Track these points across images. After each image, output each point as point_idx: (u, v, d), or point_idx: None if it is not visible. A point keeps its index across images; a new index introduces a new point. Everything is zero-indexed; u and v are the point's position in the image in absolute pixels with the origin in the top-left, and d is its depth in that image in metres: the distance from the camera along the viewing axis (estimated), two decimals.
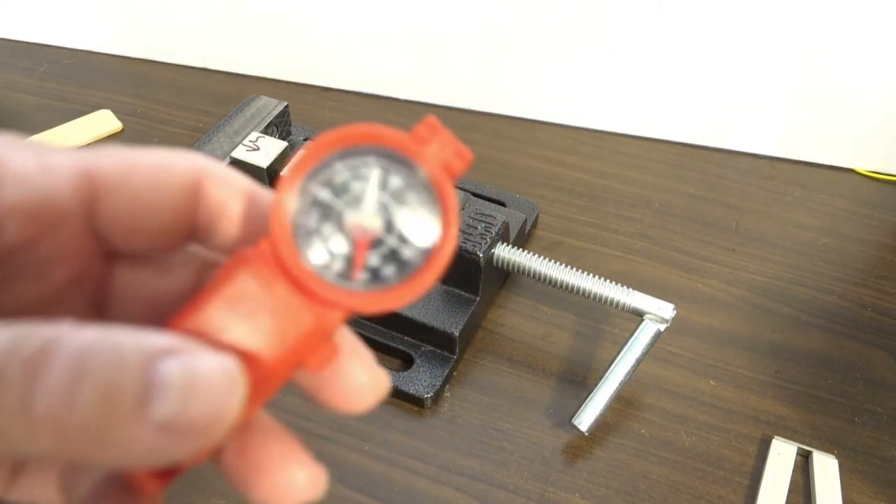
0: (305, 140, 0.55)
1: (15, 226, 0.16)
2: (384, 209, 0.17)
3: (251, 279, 0.16)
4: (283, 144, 0.51)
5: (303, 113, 0.60)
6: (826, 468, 0.41)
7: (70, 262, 0.18)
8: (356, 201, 0.17)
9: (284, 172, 0.17)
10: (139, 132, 0.61)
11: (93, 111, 0.62)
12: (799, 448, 0.42)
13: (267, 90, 0.60)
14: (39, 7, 0.68)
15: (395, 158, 0.17)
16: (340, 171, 0.17)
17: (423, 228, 0.17)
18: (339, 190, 0.17)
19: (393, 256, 0.17)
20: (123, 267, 0.19)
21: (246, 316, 0.16)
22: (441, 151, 0.17)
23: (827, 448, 0.42)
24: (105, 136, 0.60)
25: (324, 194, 0.17)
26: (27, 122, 0.61)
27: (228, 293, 0.16)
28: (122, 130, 0.61)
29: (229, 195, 0.18)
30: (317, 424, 0.43)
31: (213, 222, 0.18)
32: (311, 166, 0.17)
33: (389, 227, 0.17)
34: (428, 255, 0.17)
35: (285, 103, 0.55)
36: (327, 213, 0.17)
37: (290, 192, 0.17)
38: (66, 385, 0.13)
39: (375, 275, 0.17)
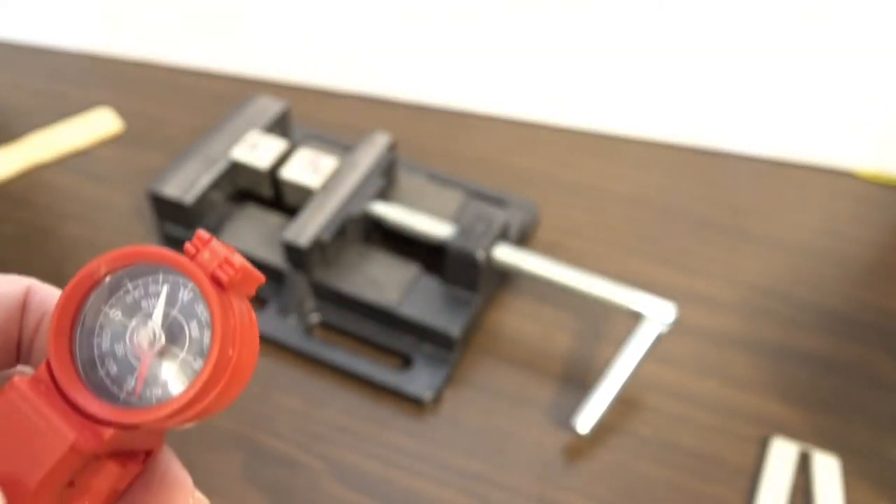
0: (306, 137, 0.55)
1: None
2: (175, 323, 0.17)
3: (16, 402, 0.16)
4: (283, 144, 0.51)
5: (303, 113, 0.60)
6: (827, 468, 0.41)
7: None
8: (145, 318, 0.17)
9: (66, 289, 0.17)
10: (139, 132, 0.61)
11: (93, 111, 0.62)
12: (799, 448, 0.42)
13: (267, 91, 0.60)
14: (39, 7, 0.68)
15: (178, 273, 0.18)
16: (130, 290, 0.18)
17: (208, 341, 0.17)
18: (129, 308, 0.17)
19: (188, 370, 0.17)
20: None
21: (2, 441, 0.16)
22: (209, 262, 0.17)
23: (827, 448, 0.42)
24: (105, 135, 0.60)
25: (113, 313, 0.17)
26: (27, 122, 0.61)
27: None
28: (122, 130, 0.61)
29: (50, 311, 0.18)
30: (316, 424, 0.43)
31: (34, 340, 0.18)
32: (94, 284, 0.17)
33: (182, 341, 0.17)
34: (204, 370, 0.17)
35: (285, 103, 0.55)
36: (117, 333, 0.17)
37: (70, 304, 0.17)
38: None
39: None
